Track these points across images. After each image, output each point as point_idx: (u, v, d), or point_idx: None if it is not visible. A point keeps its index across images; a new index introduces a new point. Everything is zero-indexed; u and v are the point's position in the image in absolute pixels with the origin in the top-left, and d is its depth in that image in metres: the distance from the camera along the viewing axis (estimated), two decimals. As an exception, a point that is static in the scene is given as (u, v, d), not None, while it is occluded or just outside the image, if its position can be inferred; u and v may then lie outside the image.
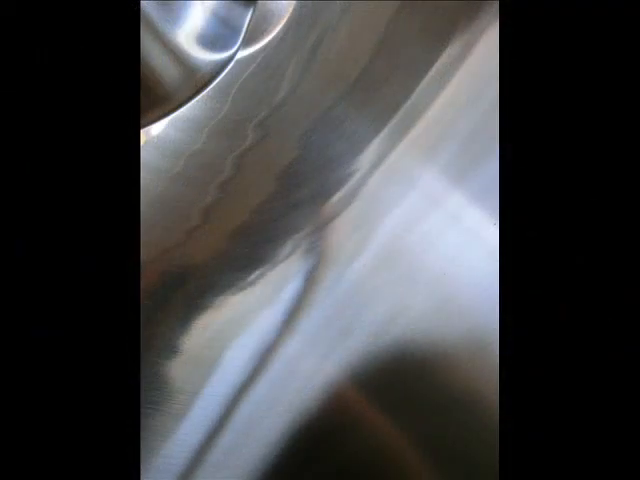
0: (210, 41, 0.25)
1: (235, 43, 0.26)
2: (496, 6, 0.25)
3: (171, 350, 0.25)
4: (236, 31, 0.26)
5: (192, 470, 0.25)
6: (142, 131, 0.25)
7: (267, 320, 0.26)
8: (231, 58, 0.26)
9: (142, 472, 0.25)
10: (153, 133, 0.25)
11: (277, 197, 0.26)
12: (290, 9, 0.26)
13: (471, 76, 0.25)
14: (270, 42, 0.26)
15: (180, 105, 0.25)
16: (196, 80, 0.25)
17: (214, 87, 0.26)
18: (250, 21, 0.26)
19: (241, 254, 0.26)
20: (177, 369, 0.25)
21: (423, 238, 0.26)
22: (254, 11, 0.26)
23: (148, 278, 0.25)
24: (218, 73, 0.26)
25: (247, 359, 0.25)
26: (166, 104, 0.25)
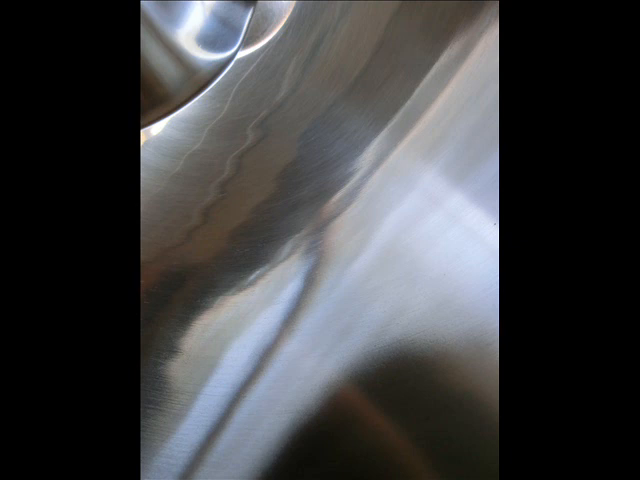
0: (210, 41, 0.25)
1: (235, 43, 0.26)
2: (496, 6, 0.25)
3: (171, 350, 0.25)
4: (236, 31, 0.26)
5: (192, 470, 0.25)
6: (142, 131, 0.25)
7: (267, 320, 0.26)
8: (231, 58, 0.26)
9: (142, 472, 0.25)
10: (153, 133, 0.25)
11: (277, 197, 0.26)
12: (290, 9, 0.25)
13: (471, 76, 0.25)
14: (270, 42, 0.26)
15: (180, 105, 0.25)
16: (196, 80, 0.25)
17: (214, 87, 0.26)
18: (250, 21, 0.26)
19: (241, 254, 0.26)
20: (177, 369, 0.25)
21: (423, 238, 0.26)
22: (254, 11, 0.26)
23: (148, 278, 0.25)
24: (218, 73, 0.26)
25: (247, 359, 0.25)
26: (166, 104, 0.25)
